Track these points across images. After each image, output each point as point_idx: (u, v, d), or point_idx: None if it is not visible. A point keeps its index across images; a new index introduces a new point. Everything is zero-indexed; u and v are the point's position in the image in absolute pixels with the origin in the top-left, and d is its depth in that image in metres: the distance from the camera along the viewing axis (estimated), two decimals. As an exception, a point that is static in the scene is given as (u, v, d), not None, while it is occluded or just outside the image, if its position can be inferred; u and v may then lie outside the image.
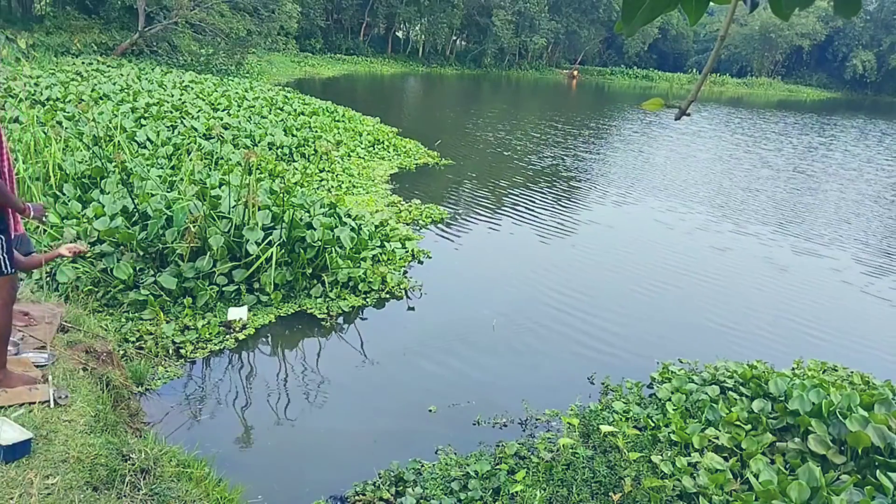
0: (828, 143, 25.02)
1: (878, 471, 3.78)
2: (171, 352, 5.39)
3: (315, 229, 7.04)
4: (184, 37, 28.26)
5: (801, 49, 66.20)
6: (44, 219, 3.71)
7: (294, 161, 12.33)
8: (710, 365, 5.68)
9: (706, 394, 5.02)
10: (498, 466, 4.20)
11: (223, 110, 14.72)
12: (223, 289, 6.32)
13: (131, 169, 8.19)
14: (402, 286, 7.15)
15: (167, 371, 5.10)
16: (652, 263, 9.05)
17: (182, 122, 12.32)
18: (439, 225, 9.90)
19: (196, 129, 11.88)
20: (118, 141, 9.87)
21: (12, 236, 3.33)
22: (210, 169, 9.25)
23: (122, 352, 5.16)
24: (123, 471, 3.03)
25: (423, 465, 4.22)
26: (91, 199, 7.38)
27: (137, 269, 6.24)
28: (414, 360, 5.80)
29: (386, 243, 8.08)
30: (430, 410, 4.98)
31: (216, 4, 27.38)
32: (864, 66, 64.16)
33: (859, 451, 4.04)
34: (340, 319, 6.40)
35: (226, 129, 12.04)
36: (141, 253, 6.37)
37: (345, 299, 6.67)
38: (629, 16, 1.53)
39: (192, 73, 23.71)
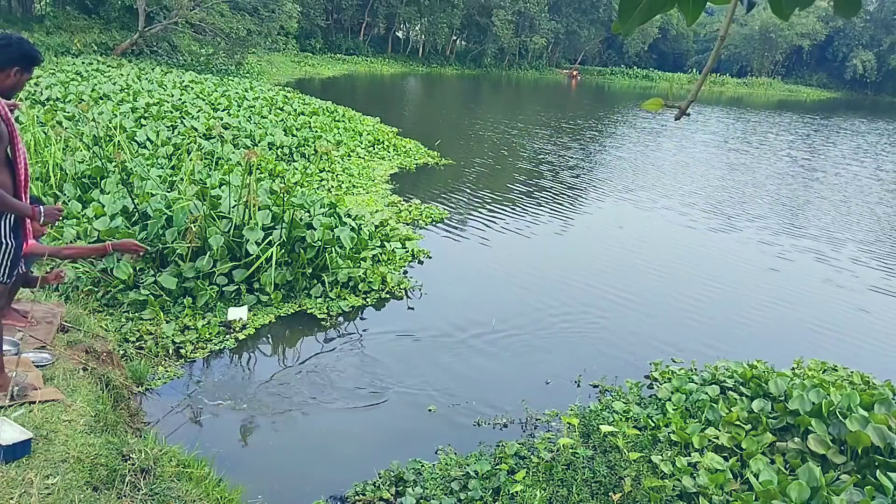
0: (813, 142, 25.02)
1: (878, 471, 3.78)
2: (171, 352, 5.39)
3: (315, 229, 7.04)
4: (184, 37, 28.27)
5: (801, 49, 66.20)
6: (57, 222, 3.59)
7: (294, 161, 12.33)
8: (710, 365, 5.68)
9: (706, 394, 5.02)
10: (498, 466, 4.20)
11: (223, 110, 14.72)
12: (223, 289, 6.32)
13: (131, 169, 8.19)
14: (402, 286, 7.15)
15: (167, 371, 5.10)
16: (652, 263, 9.06)
17: (182, 122, 12.32)
18: (439, 225, 9.90)
19: (196, 129, 11.88)
20: (118, 141, 9.88)
21: (24, 245, 3.30)
22: (210, 169, 9.26)
23: (122, 352, 5.17)
24: (123, 471, 3.03)
25: (423, 465, 4.22)
26: (91, 199, 7.38)
27: (137, 269, 6.25)
28: (414, 360, 5.80)
29: (386, 243, 8.08)
30: (430, 410, 4.98)
31: (216, 4, 27.38)
32: (864, 66, 64.13)
33: (859, 451, 4.04)
34: (340, 319, 6.40)
35: (226, 128, 12.04)
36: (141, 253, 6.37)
37: (345, 299, 6.67)
38: (626, 15, 1.53)
39: (192, 73, 23.71)
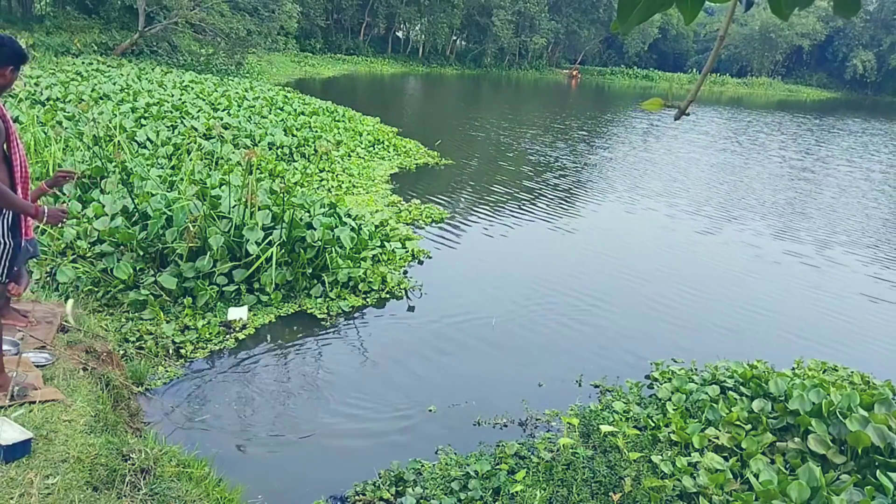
0: (806, 142, 25.01)
1: (878, 471, 3.78)
2: (171, 352, 5.39)
3: (315, 229, 7.04)
4: (184, 37, 28.27)
5: (801, 49, 66.19)
6: (61, 224, 3.55)
7: (294, 161, 12.33)
8: (711, 365, 5.68)
9: (706, 394, 5.02)
10: (498, 466, 4.20)
11: (223, 110, 14.72)
12: (223, 289, 6.32)
13: (131, 169, 8.19)
14: (402, 286, 7.15)
15: (167, 371, 5.10)
16: (651, 263, 9.06)
17: (182, 121, 12.32)
18: (439, 225, 9.90)
19: (196, 129, 11.88)
20: (118, 141, 9.87)
21: (21, 244, 3.29)
22: (210, 169, 9.26)
23: (122, 352, 5.17)
24: (123, 471, 3.03)
25: (423, 465, 4.22)
26: (91, 199, 7.38)
27: (137, 269, 6.25)
28: (414, 359, 5.80)
29: (386, 243, 8.08)
30: (430, 410, 4.98)
31: (216, 4, 27.37)
32: (864, 66, 64.11)
33: (859, 451, 4.04)
34: (340, 319, 6.40)
35: (226, 128, 12.04)
36: (141, 253, 6.37)
37: (345, 299, 6.67)
38: (624, 15, 1.53)
39: (192, 73, 23.72)
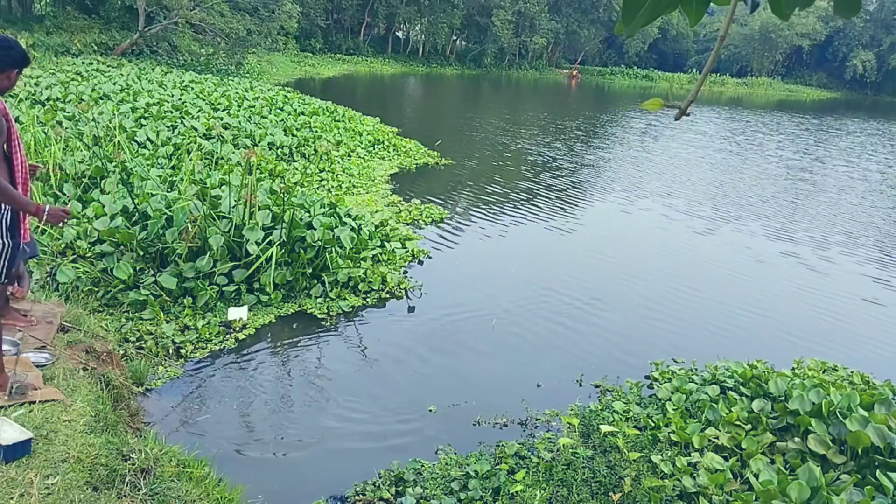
0: (804, 142, 25.00)
1: (878, 471, 3.78)
2: (171, 352, 5.39)
3: (315, 229, 7.04)
4: (184, 37, 28.29)
5: (801, 49, 66.21)
6: (62, 224, 3.52)
7: (294, 161, 12.33)
8: (711, 365, 5.68)
9: (706, 394, 5.03)
10: (498, 466, 4.20)
11: (223, 110, 14.71)
12: (223, 289, 6.32)
13: (131, 169, 8.19)
14: (402, 286, 7.15)
15: (167, 371, 5.10)
16: (650, 263, 9.06)
17: (182, 122, 12.32)
18: (439, 225, 9.90)
19: (196, 129, 11.88)
20: (118, 141, 9.87)
21: (20, 245, 3.29)
22: (210, 169, 9.25)
23: (122, 352, 5.17)
24: (123, 471, 3.03)
25: (423, 465, 4.22)
26: (91, 199, 7.38)
27: (137, 269, 6.25)
28: (414, 359, 5.80)
29: (386, 243, 8.08)
30: (430, 410, 4.98)
31: (216, 4, 27.38)
32: (864, 66, 64.13)
33: (859, 451, 4.04)
34: (340, 319, 6.40)
35: (226, 128, 12.04)
36: (141, 253, 6.37)
37: (345, 299, 6.67)
38: (629, 17, 1.53)
39: (192, 73, 23.72)
